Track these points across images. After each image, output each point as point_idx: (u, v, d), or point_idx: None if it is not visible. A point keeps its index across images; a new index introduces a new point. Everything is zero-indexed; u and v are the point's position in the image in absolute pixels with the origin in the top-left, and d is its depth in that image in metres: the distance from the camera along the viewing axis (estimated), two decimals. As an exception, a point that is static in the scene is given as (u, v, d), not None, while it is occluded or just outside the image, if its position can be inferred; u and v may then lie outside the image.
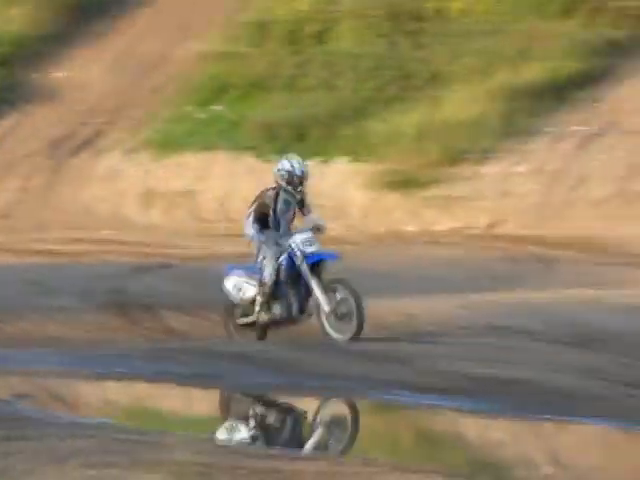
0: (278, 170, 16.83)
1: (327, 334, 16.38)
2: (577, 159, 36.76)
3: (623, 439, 15.49)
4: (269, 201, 16.73)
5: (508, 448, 15.07)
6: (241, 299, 16.85)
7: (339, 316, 16.36)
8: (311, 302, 16.73)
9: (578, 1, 41.04)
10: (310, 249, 16.49)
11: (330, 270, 17.41)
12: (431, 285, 25.22)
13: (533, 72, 38.53)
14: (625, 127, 37.13)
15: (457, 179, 36.46)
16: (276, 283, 16.54)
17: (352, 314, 16.35)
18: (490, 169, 36.76)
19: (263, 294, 16.54)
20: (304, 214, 17.08)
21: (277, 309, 16.64)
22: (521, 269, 29.69)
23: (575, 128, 37.39)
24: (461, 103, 37.85)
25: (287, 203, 16.66)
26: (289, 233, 16.71)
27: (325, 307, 16.23)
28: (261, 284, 16.64)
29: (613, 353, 19.69)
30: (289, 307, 16.72)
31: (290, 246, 16.49)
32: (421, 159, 36.40)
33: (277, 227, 16.63)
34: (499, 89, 37.84)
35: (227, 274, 17.14)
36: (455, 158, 36.64)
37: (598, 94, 38.17)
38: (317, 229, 16.95)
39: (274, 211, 16.63)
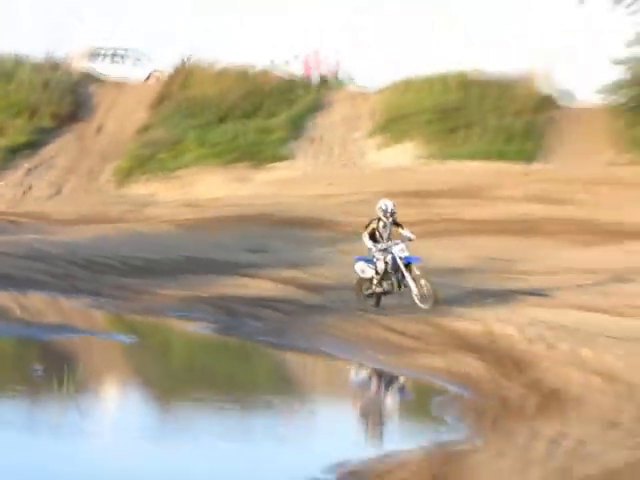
0: (378, 207, 24.79)
1: (416, 304, 24.10)
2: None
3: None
4: (375, 225, 24.62)
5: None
6: (364, 276, 24.87)
7: (422, 295, 24.12)
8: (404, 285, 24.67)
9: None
10: (404, 254, 24.24)
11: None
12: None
13: None
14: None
15: None
16: (384, 271, 24.42)
17: (430, 294, 24.10)
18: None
19: (377, 276, 24.56)
20: (399, 231, 24.75)
21: (386, 286, 24.68)
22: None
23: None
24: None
25: (384, 226, 24.61)
26: (389, 243, 24.52)
27: (414, 290, 24.18)
28: (376, 272, 24.57)
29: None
30: (392, 285, 24.68)
31: (392, 252, 24.25)
32: None
33: (380, 240, 24.59)
34: None
35: (355, 261, 25.19)
36: None
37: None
38: (408, 239, 24.50)
39: (378, 231, 24.61)
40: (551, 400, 16.66)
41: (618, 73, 49.37)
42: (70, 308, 25.88)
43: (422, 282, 24.10)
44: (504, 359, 19.91)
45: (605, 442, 13.78)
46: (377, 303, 25.07)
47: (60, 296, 26.71)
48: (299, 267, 29.83)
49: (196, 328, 24.51)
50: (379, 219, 24.58)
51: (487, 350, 20.64)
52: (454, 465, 12.86)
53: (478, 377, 19.12)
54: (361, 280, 24.80)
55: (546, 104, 48.31)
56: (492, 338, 21.22)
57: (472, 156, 43.66)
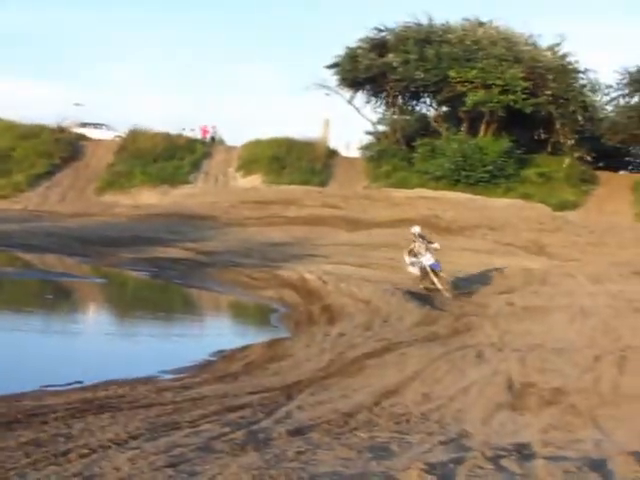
0: (411, 233, 20.40)
1: (444, 295, 19.17)
2: None
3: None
4: (412, 246, 19.98)
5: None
6: (413, 275, 19.98)
7: (445, 288, 19.37)
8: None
9: None
10: (429, 263, 19.56)
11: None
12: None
13: None
14: None
15: None
16: (424, 273, 19.68)
17: (449, 287, 19.53)
18: None
19: (420, 277, 19.76)
20: (430, 245, 20.11)
21: (425, 283, 19.67)
22: None
23: None
24: None
25: (419, 246, 19.88)
26: (419, 256, 19.78)
27: (439, 286, 19.44)
28: (420, 274, 19.77)
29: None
30: (430, 282, 19.60)
31: (421, 262, 19.63)
32: None
33: (418, 255, 19.83)
34: None
35: (409, 265, 20.15)
36: None
37: None
38: (435, 250, 20.00)
39: (414, 249, 19.91)
40: (335, 315, 16.59)
41: (368, 139, 50.02)
42: (69, 263, 25.29)
43: (444, 280, 19.66)
44: (309, 292, 19.81)
45: (364, 338, 13.76)
46: (429, 291, 19.91)
47: (63, 257, 26.09)
48: (197, 242, 29.43)
49: (139, 275, 24.15)
50: (414, 240, 20.08)
51: (300, 287, 20.50)
52: (281, 350, 12.71)
53: (295, 302, 18.99)
54: (416, 277, 20.01)
55: (331, 154, 48.41)
56: (303, 281, 21.12)
57: (291, 182, 43.49)
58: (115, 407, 8.41)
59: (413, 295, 18.56)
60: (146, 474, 5.75)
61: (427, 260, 19.80)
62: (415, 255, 19.98)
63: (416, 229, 20.65)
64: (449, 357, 11.39)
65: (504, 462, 6.25)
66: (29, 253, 26.09)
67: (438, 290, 19.59)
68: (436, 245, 20.39)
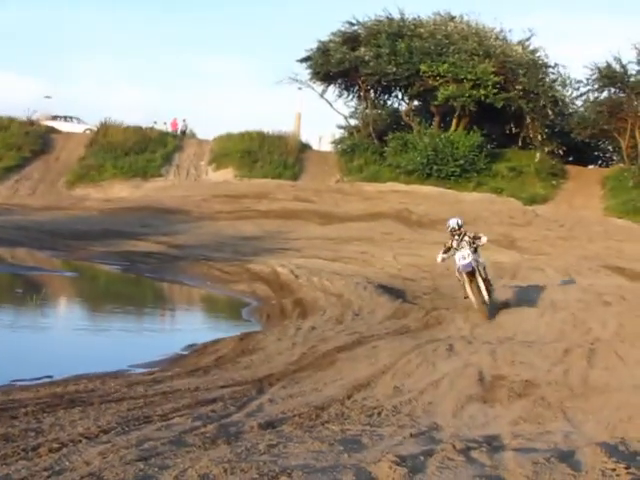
0: (447, 228, 15.48)
1: (479, 309, 14.98)
2: None
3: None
4: (448, 243, 15.18)
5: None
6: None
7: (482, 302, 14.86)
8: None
9: None
10: (462, 262, 14.79)
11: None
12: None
13: None
14: None
15: None
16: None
17: (488, 306, 14.95)
18: None
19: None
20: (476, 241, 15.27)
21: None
22: None
23: None
24: None
25: (457, 241, 15.08)
26: (450, 253, 15.16)
27: (471, 297, 14.96)
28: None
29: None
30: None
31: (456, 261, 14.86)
32: None
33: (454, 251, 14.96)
34: None
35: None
36: None
37: None
38: (478, 245, 15.21)
39: (452, 246, 15.15)
40: (307, 309, 16.62)
41: (341, 133, 49.97)
42: (39, 257, 25.06)
43: (482, 290, 14.89)
44: (281, 286, 19.82)
45: (336, 332, 13.79)
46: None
47: (33, 250, 25.84)
48: (168, 235, 29.32)
49: (110, 268, 24.02)
50: (452, 236, 15.26)
51: (272, 281, 20.51)
52: (252, 344, 12.69)
53: (267, 296, 18.99)
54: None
55: (303, 148, 48.41)
56: (275, 275, 21.11)
57: (264, 176, 43.46)
58: (86, 401, 8.37)
59: (385, 289, 18.61)
60: (117, 468, 5.73)
61: (458, 259, 15.01)
62: (448, 250, 15.39)
63: (452, 222, 15.47)
64: (420, 350, 11.44)
65: (474, 454, 6.30)
66: (-2, 247, 25.89)
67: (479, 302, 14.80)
68: (482, 239, 15.26)
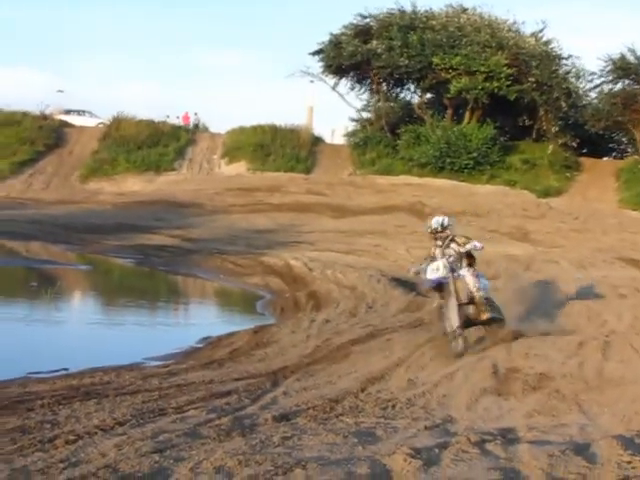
0: (428, 229, 11.72)
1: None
2: None
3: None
4: (432, 250, 11.45)
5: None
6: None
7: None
8: None
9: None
10: (434, 276, 10.97)
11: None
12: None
13: None
14: None
15: None
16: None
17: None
18: None
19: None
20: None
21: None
22: None
23: None
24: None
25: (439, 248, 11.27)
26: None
27: (446, 323, 11.07)
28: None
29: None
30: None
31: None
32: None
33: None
34: None
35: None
36: None
37: None
38: (466, 249, 11.31)
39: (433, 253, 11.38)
40: (321, 302, 16.60)
41: (353, 126, 49.76)
42: (53, 251, 25.15)
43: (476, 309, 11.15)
44: (295, 279, 19.83)
45: (350, 324, 13.78)
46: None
47: (48, 244, 25.95)
48: (182, 229, 29.39)
49: (124, 262, 24.10)
50: (435, 239, 11.45)
51: (285, 274, 20.52)
52: (267, 336, 12.71)
53: (280, 289, 19.00)
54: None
55: (316, 141, 48.34)
56: (288, 268, 21.13)
57: (277, 169, 43.46)
58: (101, 394, 8.40)
59: (398, 282, 18.58)
60: (132, 460, 5.75)
61: (429, 272, 11.08)
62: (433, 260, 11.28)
63: (434, 221, 11.56)
64: (434, 343, 11.41)
65: (489, 446, 6.29)
66: (13, 241, 25.95)
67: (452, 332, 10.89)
68: (473, 244, 11.32)
